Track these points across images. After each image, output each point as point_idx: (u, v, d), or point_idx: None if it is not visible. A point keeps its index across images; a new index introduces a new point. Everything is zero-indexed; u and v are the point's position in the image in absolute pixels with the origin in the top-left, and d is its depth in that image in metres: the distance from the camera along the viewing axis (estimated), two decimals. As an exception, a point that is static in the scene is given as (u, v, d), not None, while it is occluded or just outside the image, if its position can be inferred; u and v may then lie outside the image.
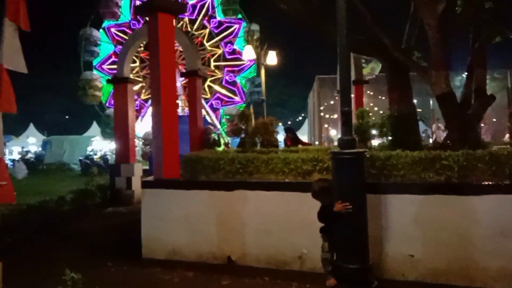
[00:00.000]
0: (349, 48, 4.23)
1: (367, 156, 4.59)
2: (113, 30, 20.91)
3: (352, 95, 11.47)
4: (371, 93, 20.71)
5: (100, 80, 17.56)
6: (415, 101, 6.85)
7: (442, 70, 5.71)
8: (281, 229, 4.90)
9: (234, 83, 21.77)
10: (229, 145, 13.92)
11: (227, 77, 21.61)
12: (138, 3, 18.91)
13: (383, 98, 19.04)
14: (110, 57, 21.05)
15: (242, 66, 21.36)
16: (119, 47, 18.30)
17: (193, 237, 5.40)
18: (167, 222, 5.54)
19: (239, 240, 5.16)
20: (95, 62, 20.13)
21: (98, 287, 3.08)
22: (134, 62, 19.90)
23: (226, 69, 21.59)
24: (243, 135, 7.55)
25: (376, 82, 17.04)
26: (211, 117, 20.96)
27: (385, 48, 6.18)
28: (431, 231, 4.37)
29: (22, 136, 37.51)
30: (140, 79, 21.03)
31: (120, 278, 5.08)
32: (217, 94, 21.78)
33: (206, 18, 21.36)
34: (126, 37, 18.87)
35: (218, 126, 20.67)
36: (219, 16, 21.09)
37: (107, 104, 20.16)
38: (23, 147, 32.91)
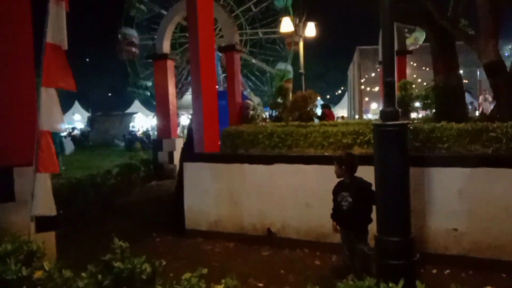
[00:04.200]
0: (392, 17, 4.08)
1: (410, 128, 4.48)
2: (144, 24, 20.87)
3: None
4: (414, 64, 20.01)
5: (137, 38, 17.58)
6: (461, 71, 6.56)
7: (491, 39, 5.42)
8: (321, 202, 4.89)
9: (264, 73, 21.48)
10: (267, 120, 13.94)
11: (260, 64, 21.33)
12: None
13: (427, 69, 18.37)
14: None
15: (275, 58, 20.96)
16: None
17: (234, 209, 5.51)
18: (208, 195, 5.68)
19: (279, 213, 5.22)
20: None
21: (145, 255, 3.23)
22: (174, 49, 19.83)
23: (262, 29, 21.06)
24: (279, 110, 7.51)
25: (420, 52, 16.43)
26: (249, 92, 20.93)
27: (430, 16, 5.92)
28: (476, 205, 4.25)
29: (68, 113, 39.05)
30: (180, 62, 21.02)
31: (165, 248, 5.32)
32: (245, 78, 21.54)
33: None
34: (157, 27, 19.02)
35: (256, 101, 20.61)
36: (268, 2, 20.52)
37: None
38: (69, 124, 34.35)
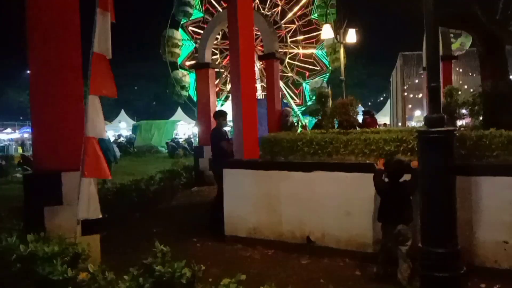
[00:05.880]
0: (437, 21, 3.96)
1: (457, 135, 4.31)
2: (190, 28, 21.40)
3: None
4: (460, 70, 19.31)
5: (187, 78, 18.20)
6: (511, 77, 6.26)
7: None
8: (363, 211, 4.80)
9: (298, 86, 21.47)
10: (307, 128, 13.86)
11: (295, 77, 21.36)
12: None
13: (474, 75, 17.68)
14: (191, 54, 21.62)
15: (313, 72, 20.94)
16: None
17: (273, 216, 5.50)
18: (248, 201, 5.70)
19: (318, 221, 5.16)
20: (179, 61, 20.82)
21: (185, 260, 3.29)
22: (214, 54, 20.22)
23: (303, 42, 21.23)
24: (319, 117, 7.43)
25: (466, 57, 15.86)
26: (288, 100, 20.91)
27: (477, 20, 5.69)
28: (529, 216, 4.01)
29: (114, 121, 40.53)
30: (216, 52, 21.32)
31: (205, 253, 5.37)
32: (297, 69, 21.56)
33: (298, 14, 20.96)
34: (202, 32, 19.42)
35: (295, 108, 20.57)
36: (312, 16, 20.56)
37: (180, 64, 20.66)
38: (115, 131, 35.61)
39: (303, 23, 21.05)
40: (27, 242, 3.55)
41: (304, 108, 20.48)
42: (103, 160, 4.05)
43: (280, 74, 20.80)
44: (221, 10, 19.05)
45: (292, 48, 21.34)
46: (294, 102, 21.66)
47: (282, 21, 21.17)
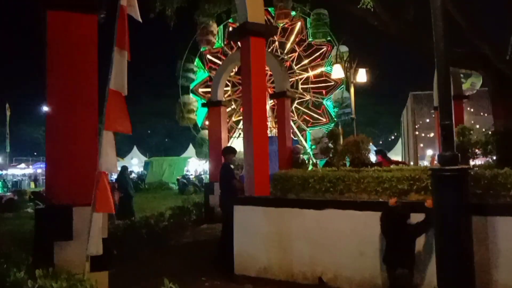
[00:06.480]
0: (448, 61, 4.00)
1: (471, 174, 4.25)
2: (208, 56, 22.08)
3: (451, 112, 10.75)
4: (472, 110, 19.29)
5: (195, 103, 18.61)
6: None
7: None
8: (376, 250, 4.68)
9: (320, 105, 21.76)
10: (318, 166, 13.81)
11: (313, 99, 21.67)
12: (231, 29, 19.84)
13: (485, 114, 17.62)
14: (205, 82, 22.22)
15: (329, 89, 21.31)
16: (213, 72, 19.37)
17: (284, 255, 5.39)
18: (258, 239, 5.61)
19: (330, 261, 5.03)
20: (191, 86, 21.36)
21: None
22: (227, 86, 20.69)
23: (313, 91, 21.67)
24: (330, 155, 7.41)
25: (477, 97, 15.87)
26: (299, 138, 21.05)
27: (488, 60, 5.75)
28: (550, 259, 3.88)
29: (127, 157, 40.84)
30: (232, 103, 21.85)
31: (214, 293, 5.24)
32: (304, 116, 21.89)
33: (296, 41, 21.67)
34: (219, 62, 19.91)
35: (306, 146, 20.65)
36: (309, 39, 21.26)
37: (192, 89, 21.18)
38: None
39: (303, 48, 21.57)
40: (35, 278, 3.51)
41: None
42: (110, 195, 4.05)
43: (299, 101, 21.18)
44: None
45: (301, 73, 21.75)
46: (320, 122, 21.83)
47: (284, 52, 21.68)
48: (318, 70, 21.55)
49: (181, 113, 18.54)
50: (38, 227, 4.42)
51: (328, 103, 21.30)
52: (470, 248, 3.74)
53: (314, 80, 21.86)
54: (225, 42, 21.62)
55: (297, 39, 21.71)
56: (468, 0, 6.01)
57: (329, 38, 20.69)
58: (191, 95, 20.20)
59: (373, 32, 6.78)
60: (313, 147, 19.60)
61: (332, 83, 21.17)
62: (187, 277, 5.73)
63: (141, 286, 5.30)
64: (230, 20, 20.26)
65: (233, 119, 22.35)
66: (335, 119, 19.60)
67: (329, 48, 20.94)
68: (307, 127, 22.05)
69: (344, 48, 18.97)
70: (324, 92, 21.74)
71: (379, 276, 4.66)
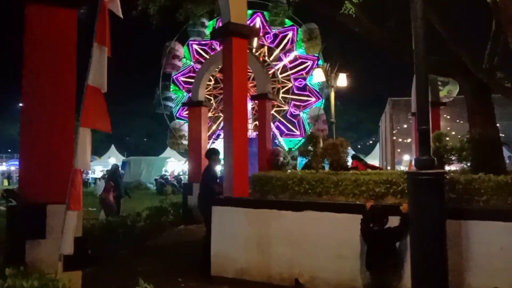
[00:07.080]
0: (427, 68, 4.08)
1: (447, 179, 4.33)
2: (195, 46, 21.84)
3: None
4: (448, 117, 19.71)
5: (184, 126, 18.49)
6: (498, 124, 6.39)
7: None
8: (354, 253, 4.71)
9: (296, 116, 21.85)
10: (297, 167, 13.89)
11: (292, 109, 21.74)
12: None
13: (461, 122, 18.02)
14: (188, 71, 21.94)
15: (308, 103, 21.42)
16: (197, 65, 19.16)
17: (261, 256, 5.38)
18: (236, 240, 5.59)
19: (308, 262, 5.05)
20: (175, 111, 21.18)
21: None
22: (209, 80, 20.42)
23: (292, 102, 21.75)
24: (309, 158, 7.46)
25: (453, 105, 16.21)
26: (279, 140, 21.09)
27: (466, 68, 5.87)
28: (520, 263, 3.98)
29: (104, 156, 40.17)
30: (211, 98, 21.63)
31: (190, 294, 5.19)
32: (278, 124, 21.92)
33: (284, 50, 21.64)
34: (206, 56, 19.85)
35: (286, 148, 20.69)
36: (297, 51, 21.26)
37: (176, 115, 20.96)
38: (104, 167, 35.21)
39: (297, 85, 21.67)
40: (5, 277, 3.41)
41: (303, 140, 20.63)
42: (82, 193, 3.96)
43: (277, 109, 21.24)
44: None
45: (284, 82, 21.79)
46: (294, 135, 21.86)
47: (271, 58, 21.70)
48: (301, 83, 21.62)
49: (173, 139, 18.57)
50: (9, 225, 4.30)
51: (304, 115, 21.40)
52: (445, 250, 3.81)
53: (295, 92, 21.92)
54: (185, 91, 21.41)
55: (286, 47, 21.68)
56: (449, 9, 6.13)
57: (291, 23, 20.45)
58: (177, 120, 20.06)
59: (355, 38, 6.85)
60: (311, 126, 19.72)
61: (312, 99, 21.29)
62: (163, 277, 5.67)
63: (116, 286, 5.20)
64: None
65: (209, 114, 22.01)
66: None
67: (314, 63, 20.89)
68: (281, 136, 22.14)
69: (312, 25, 19.10)
70: (301, 106, 21.84)
71: (358, 279, 4.69)
